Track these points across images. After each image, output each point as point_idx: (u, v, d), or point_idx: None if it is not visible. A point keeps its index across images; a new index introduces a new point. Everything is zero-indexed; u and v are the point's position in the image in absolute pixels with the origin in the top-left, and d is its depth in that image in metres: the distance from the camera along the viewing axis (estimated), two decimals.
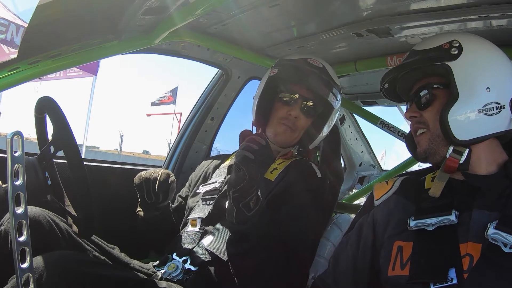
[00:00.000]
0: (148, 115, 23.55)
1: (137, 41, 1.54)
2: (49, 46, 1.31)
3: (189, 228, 1.57)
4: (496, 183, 1.02)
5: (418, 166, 2.09)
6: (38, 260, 1.04)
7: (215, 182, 1.67)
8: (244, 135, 1.61)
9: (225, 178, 1.65)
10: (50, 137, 1.18)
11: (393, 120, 2.50)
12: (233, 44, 1.94)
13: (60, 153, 1.16)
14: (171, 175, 1.57)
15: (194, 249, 1.48)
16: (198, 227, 1.55)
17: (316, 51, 1.94)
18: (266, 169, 1.54)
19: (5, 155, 0.89)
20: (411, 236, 1.05)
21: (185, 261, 1.44)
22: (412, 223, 1.05)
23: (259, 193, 1.33)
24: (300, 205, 1.43)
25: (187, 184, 1.86)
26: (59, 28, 1.28)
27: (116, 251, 1.49)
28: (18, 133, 0.90)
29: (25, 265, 0.88)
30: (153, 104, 20.53)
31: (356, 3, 1.50)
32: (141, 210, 1.65)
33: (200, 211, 1.59)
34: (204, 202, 1.62)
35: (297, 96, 1.61)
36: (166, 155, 2.40)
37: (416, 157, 1.18)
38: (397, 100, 1.31)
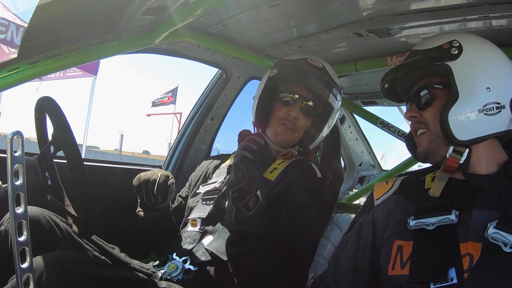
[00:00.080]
0: (148, 115, 23.55)
1: (137, 41, 1.54)
2: (49, 46, 1.31)
3: (189, 228, 1.57)
4: (496, 182, 1.02)
5: (418, 166, 2.09)
6: (38, 260, 1.04)
7: (215, 182, 1.67)
8: (243, 135, 1.61)
9: (225, 178, 1.65)
10: (50, 137, 1.18)
11: (393, 120, 2.51)
12: (233, 44, 1.94)
13: (60, 153, 1.16)
14: (170, 177, 1.57)
15: (194, 249, 1.48)
16: (198, 227, 1.55)
17: (316, 51, 1.94)
18: (265, 169, 1.54)
19: (5, 155, 0.89)
20: (411, 236, 1.05)
21: (185, 261, 1.44)
22: (412, 223, 1.05)
23: (258, 193, 1.33)
24: (300, 205, 1.43)
25: (187, 184, 1.86)
26: (59, 28, 1.28)
27: (116, 251, 1.49)
28: (18, 133, 0.90)
29: (25, 265, 0.88)
30: (153, 104, 20.53)
31: (356, 3, 1.50)
32: (141, 210, 1.65)
33: (200, 211, 1.59)
34: (204, 202, 1.62)
35: (297, 96, 1.61)
36: (166, 155, 2.40)
37: (416, 157, 1.18)
38: (397, 100, 1.31)
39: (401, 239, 1.07)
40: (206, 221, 1.54)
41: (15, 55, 1.26)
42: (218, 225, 1.51)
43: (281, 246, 1.33)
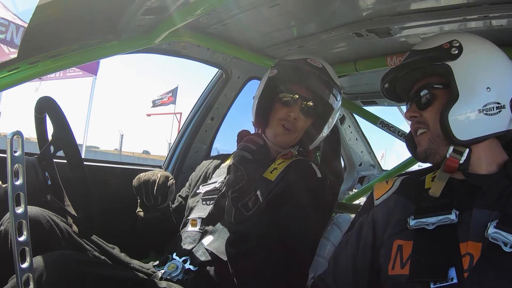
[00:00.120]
0: (148, 115, 23.55)
1: (137, 41, 1.54)
2: (49, 46, 1.31)
3: (189, 228, 1.57)
4: (496, 182, 1.02)
5: (418, 166, 2.09)
6: (38, 260, 1.04)
7: (215, 182, 1.67)
8: (242, 135, 1.61)
9: (225, 178, 1.65)
10: (50, 137, 1.18)
11: (393, 120, 2.51)
12: (233, 44, 1.94)
13: (60, 153, 1.17)
14: (170, 178, 1.57)
15: (194, 249, 1.48)
16: (198, 227, 1.55)
17: (316, 51, 1.94)
18: (265, 169, 1.54)
19: (5, 155, 0.89)
20: (411, 235, 1.05)
21: (185, 261, 1.44)
22: (412, 222, 1.05)
23: (258, 193, 1.33)
24: (300, 205, 1.43)
25: (187, 184, 1.86)
26: (59, 28, 1.28)
27: (116, 251, 1.49)
28: (18, 133, 0.90)
29: (25, 265, 0.88)
30: (153, 104, 20.52)
31: (356, 3, 1.50)
32: (141, 210, 1.65)
33: (200, 211, 1.59)
34: (204, 202, 1.62)
35: (297, 96, 1.60)
36: (166, 155, 2.40)
37: (416, 157, 1.18)
38: (397, 100, 1.31)
39: (401, 239, 1.07)
40: (206, 221, 1.54)
41: (15, 55, 1.26)
42: (218, 225, 1.51)
43: (281, 246, 1.33)
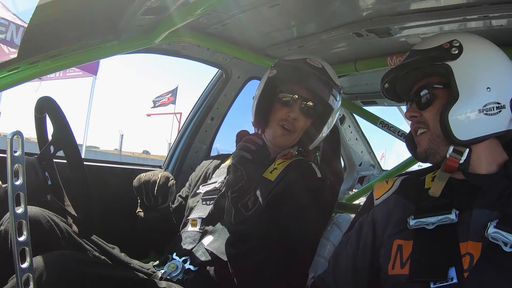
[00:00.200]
0: (148, 115, 23.55)
1: (137, 41, 1.54)
2: (49, 46, 1.31)
3: (189, 228, 1.57)
4: (496, 182, 1.02)
5: (418, 166, 2.09)
6: (38, 260, 1.04)
7: (215, 182, 1.67)
8: (241, 136, 1.60)
9: (225, 178, 1.65)
10: (50, 137, 1.18)
11: (393, 120, 2.51)
12: (233, 44, 1.94)
13: (60, 153, 1.16)
14: (170, 178, 1.57)
15: (194, 249, 1.48)
16: (198, 227, 1.55)
17: (316, 51, 1.94)
18: (264, 169, 1.54)
19: (5, 155, 0.89)
20: (411, 235, 1.05)
21: (185, 261, 1.44)
22: (412, 222, 1.05)
23: (257, 193, 1.33)
24: (300, 205, 1.43)
25: (187, 184, 1.86)
26: (59, 28, 1.28)
27: (116, 251, 1.49)
28: (18, 133, 0.90)
29: (25, 265, 0.88)
30: (154, 104, 20.51)
31: (356, 3, 1.50)
32: (141, 211, 1.65)
33: (200, 211, 1.59)
34: (204, 202, 1.62)
35: (297, 96, 1.60)
36: (166, 155, 2.40)
37: (416, 157, 1.18)
38: (397, 100, 1.31)
39: (401, 239, 1.07)
40: (206, 221, 1.54)
41: (15, 55, 1.26)
42: (218, 225, 1.51)
43: (281, 246, 1.33)
